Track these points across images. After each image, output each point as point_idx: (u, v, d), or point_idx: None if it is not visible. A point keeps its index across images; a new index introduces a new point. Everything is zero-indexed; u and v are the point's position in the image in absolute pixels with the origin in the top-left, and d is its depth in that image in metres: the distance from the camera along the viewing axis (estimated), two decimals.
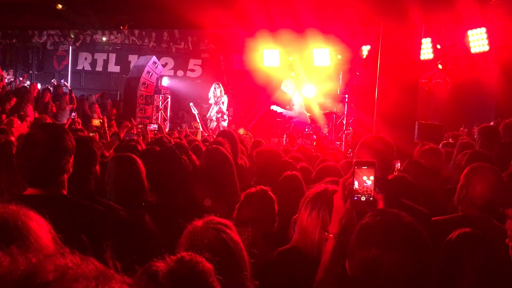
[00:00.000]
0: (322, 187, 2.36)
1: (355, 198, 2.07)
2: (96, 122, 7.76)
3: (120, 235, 2.50)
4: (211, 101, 13.57)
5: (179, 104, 18.68)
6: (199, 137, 8.40)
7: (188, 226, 1.90)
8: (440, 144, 6.50)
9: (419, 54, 8.21)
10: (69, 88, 17.71)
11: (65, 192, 2.36)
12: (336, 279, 2.01)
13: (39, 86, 16.72)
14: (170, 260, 1.36)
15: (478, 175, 2.99)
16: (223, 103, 13.33)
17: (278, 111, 12.35)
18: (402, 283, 1.53)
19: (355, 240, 1.65)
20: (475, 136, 5.88)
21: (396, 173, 3.96)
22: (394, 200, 2.44)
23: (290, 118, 12.23)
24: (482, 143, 5.22)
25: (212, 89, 13.57)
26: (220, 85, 13.66)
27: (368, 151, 2.82)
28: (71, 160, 2.36)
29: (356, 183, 2.07)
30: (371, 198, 2.07)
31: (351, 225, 1.93)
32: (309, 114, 12.74)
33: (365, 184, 2.08)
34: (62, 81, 18.80)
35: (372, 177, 2.08)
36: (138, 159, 3.27)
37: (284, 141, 11.60)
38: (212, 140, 5.18)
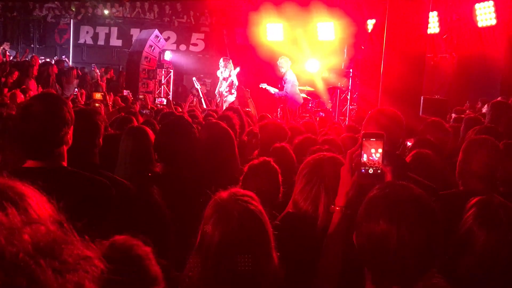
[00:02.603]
0: (318, 158, 2.35)
1: (363, 170, 2.04)
2: (98, 96, 7.69)
3: (125, 208, 2.49)
4: (220, 76, 13.21)
5: (182, 78, 18.57)
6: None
7: (213, 198, 1.87)
8: (452, 119, 6.44)
9: (426, 27, 8.06)
10: (69, 63, 17.59)
11: (65, 164, 2.33)
12: (343, 252, 2.00)
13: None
14: (102, 245, 1.29)
15: (476, 147, 3.00)
16: (225, 79, 13.02)
17: (269, 89, 12.07)
18: (411, 256, 1.51)
19: (363, 213, 1.62)
20: (483, 111, 5.81)
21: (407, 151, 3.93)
22: (402, 174, 2.41)
23: (281, 98, 12.03)
24: (492, 117, 5.13)
25: (221, 64, 13.18)
26: (230, 60, 13.22)
27: (375, 125, 2.78)
28: (70, 131, 2.32)
29: (364, 155, 2.04)
30: (379, 171, 2.03)
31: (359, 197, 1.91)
32: (303, 95, 12.56)
33: (373, 156, 2.05)
34: (63, 56, 18.67)
35: (380, 150, 2.04)
36: (150, 131, 3.26)
37: (278, 115, 11.56)
38: (220, 114, 5.11)
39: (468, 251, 2.03)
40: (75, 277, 0.71)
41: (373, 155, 2.05)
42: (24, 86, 11.57)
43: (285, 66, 11.87)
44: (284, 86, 11.79)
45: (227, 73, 12.93)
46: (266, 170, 2.88)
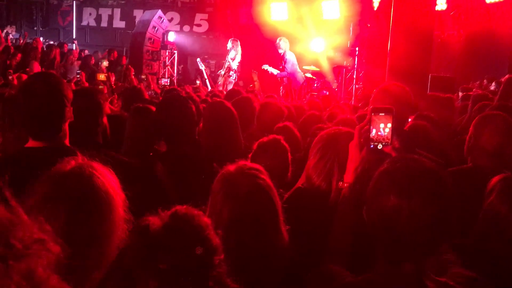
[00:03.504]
0: (333, 133, 2.32)
1: (372, 146, 1.99)
2: (101, 77, 7.62)
3: (128, 186, 2.46)
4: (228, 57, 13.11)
5: (186, 60, 18.45)
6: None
7: (221, 171, 1.85)
8: (460, 97, 6.35)
9: (434, 4, 7.94)
10: (77, 46, 17.50)
11: (67, 143, 2.31)
12: (352, 228, 1.97)
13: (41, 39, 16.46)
14: (163, 215, 1.30)
15: (486, 122, 2.93)
16: (232, 59, 12.90)
17: (270, 71, 12.09)
18: (422, 231, 1.46)
19: (373, 188, 1.57)
20: (491, 89, 5.71)
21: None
22: (410, 150, 2.36)
23: (282, 78, 12.03)
24: (502, 93, 5.02)
25: (229, 45, 13.08)
26: (238, 42, 13.10)
27: (381, 104, 2.73)
28: (71, 108, 2.31)
29: (373, 130, 1.99)
30: (388, 146, 1.99)
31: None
32: (308, 74, 12.42)
33: (381, 131, 2.00)
34: (73, 40, 18.56)
35: (389, 125, 1.99)
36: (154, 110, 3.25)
37: (281, 93, 11.55)
38: (241, 96, 5.11)
39: (498, 235, 1.99)
40: (23, 264, 0.62)
41: (382, 130, 2.00)
42: (28, 69, 11.53)
43: (283, 47, 11.85)
44: (284, 67, 11.77)
45: (233, 54, 12.84)
46: (275, 148, 2.86)
